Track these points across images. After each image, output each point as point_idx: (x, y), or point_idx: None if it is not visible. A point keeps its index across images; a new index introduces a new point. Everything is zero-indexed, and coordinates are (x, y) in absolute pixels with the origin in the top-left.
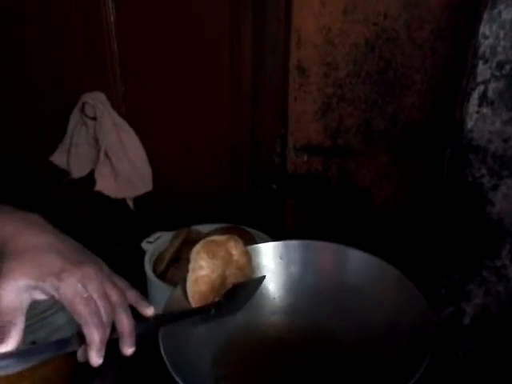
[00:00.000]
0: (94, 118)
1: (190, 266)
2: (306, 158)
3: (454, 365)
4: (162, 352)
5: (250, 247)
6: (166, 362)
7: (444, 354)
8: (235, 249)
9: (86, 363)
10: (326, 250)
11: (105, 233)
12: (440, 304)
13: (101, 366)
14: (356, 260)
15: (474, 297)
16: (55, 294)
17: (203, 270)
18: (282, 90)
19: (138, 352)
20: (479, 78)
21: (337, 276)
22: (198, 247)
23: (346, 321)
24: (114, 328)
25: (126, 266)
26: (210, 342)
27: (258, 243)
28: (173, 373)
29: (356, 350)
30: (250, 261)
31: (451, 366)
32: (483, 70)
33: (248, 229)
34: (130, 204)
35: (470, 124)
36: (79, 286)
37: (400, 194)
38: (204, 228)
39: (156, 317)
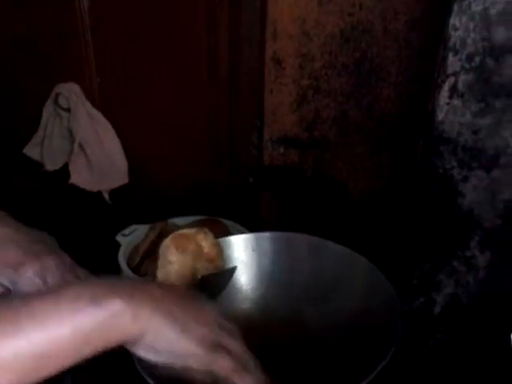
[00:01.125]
0: (68, 110)
1: (160, 262)
2: (282, 150)
3: (425, 354)
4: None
5: (222, 239)
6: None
7: (415, 344)
8: (205, 241)
9: None
10: (297, 242)
11: (81, 226)
12: (412, 294)
13: None
14: (327, 251)
15: (445, 287)
16: (11, 287)
17: (173, 265)
18: (259, 82)
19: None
20: (449, 70)
21: (308, 267)
22: (167, 242)
23: (316, 310)
24: None
25: (101, 259)
26: None
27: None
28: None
29: (326, 339)
30: (220, 253)
31: (422, 355)
32: (453, 62)
33: (225, 221)
34: (106, 196)
35: (440, 116)
36: (37, 279)
37: (375, 186)
38: (180, 221)
39: None
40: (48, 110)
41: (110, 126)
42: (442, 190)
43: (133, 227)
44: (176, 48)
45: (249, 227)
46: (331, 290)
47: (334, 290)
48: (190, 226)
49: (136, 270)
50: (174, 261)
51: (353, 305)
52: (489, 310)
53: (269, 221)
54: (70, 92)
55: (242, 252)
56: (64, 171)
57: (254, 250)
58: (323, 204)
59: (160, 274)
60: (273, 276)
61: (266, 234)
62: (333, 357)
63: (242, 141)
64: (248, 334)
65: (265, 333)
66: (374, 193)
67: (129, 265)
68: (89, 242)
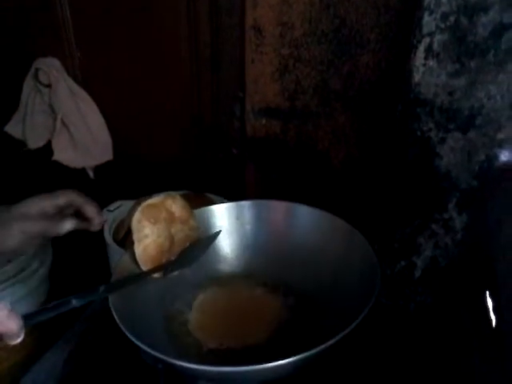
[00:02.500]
0: (49, 86)
1: (135, 237)
2: (264, 121)
3: (406, 317)
4: (115, 317)
5: (205, 208)
6: (120, 326)
7: (397, 307)
8: (174, 205)
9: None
10: (277, 208)
11: None
12: (393, 259)
13: (57, 339)
14: (307, 215)
15: (424, 250)
16: None
17: (148, 238)
18: (240, 51)
19: (92, 325)
20: (425, 30)
21: (289, 232)
22: (137, 216)
23: (297, 273)
24: None
25: (87, 234)
26: (161, 302)
27: None
28: (127, 333)
29: (306, 300)
30: (191, 213)
31: (403, 317)
32: (428, 22)
33: (210, 195)
34: (91, 173)
35: (417, 77)
36: None
37: (357, 154)
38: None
39: (107, 285)
40: (28, 86)
41: (92, 102)
42: (419, 153)
43: (118, 203)
44: (156, 18)
45: (234, 200)
46: (311, 253)
47: (313, 252)
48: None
49: (122, 243)
50: (148, 233)
51: (333, 266)
52: (466, 271)
53: (253, 193)
54: (50, 67)
55: (226, 220)
56: (47, 149)
57: (237, 219)
58: (306, 173)
59: (138, 250)
60: (256, 242)
61: (248, 202)
62: (313, 316)
63: (225, 112)
64: (232, 299)
65: (248, 297)
66: (355, 161)
67: (114, 239)
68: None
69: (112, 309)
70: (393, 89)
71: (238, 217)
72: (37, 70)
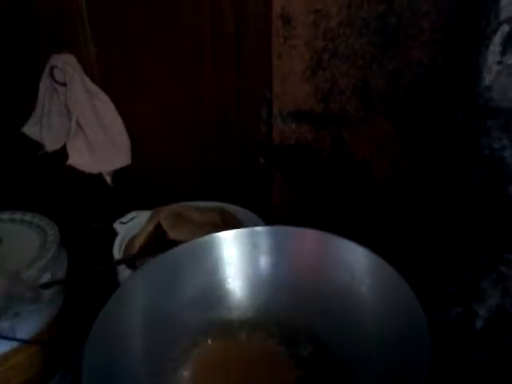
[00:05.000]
0: (65, 84)
1: None
2: (294, 126)
3: (462, 374)
4: None
5: (209, 237)
6: None
7: (451, 362)
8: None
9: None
10: (304, 238)
11: (86, 210)
12: (447, 303)
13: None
14: (340, 251)
15: (489, 296)
16: None
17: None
18: (267, 44)
19: None
20: (503, 15)
21: (317, 269)
22: None
23: (327, 322)
24: None
25: (106, 245)
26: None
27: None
28: None
29: (340, 356)
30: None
31: (459, 375)
32: (508, 5)
33: (233, 207)
34: (108, 179)
35: (488, 78)
36: None
37: (403, 169)
38: (184, 206)
39: None
40: (44, 85)
41: (110, 103)
42: (487, 176)
43: (132, 214)
44: (176, 10)
45: (259, 213)
46: (343, 299)
47: (346, 298)
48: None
49: (131, 263)
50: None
51: (370, 318)
52: None
53: (279, 208)
54: (66, 64)
55: (235, 250)
56: (64, 152)
57: (255, 247)
58: (341, 189)
59: None
60: (273, 280)
61: (264, 229)
62: (347, 379)
63: (250, 116)
64: (237, 354)
65: (257, 352)
66: (401, 177)
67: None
68: (88, 227)
69: None
70: (452, 92)
71: (256, 245)
72: (52, 67)
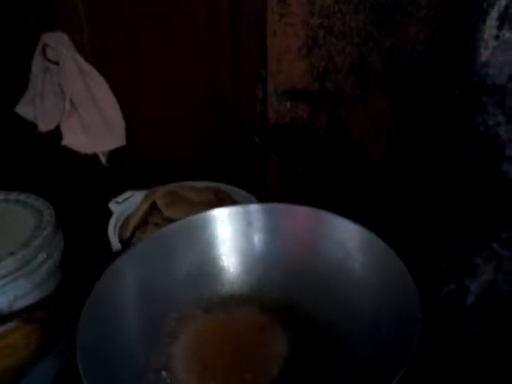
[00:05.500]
0: (58, 63)
1: None
2: (289, 105)
3: (453, 349)
4: None
5: (203, 214)
6: None
7: (442, 336)
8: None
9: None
10: (297, 216)
11: (81, 190)
12: (440, 280)
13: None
14: (333, 228)
15: (482, 273)
16: None
17: None
18: (262, 22)
19: None
20: None
21: (311, 247)
22: None
23: (320, 299)
24: None
25: (102, 225)
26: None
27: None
28: None
29: (333, 333)
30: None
31: (450, 349)
32: None
33: (228, 187)
34: (103, 159)
35: (484, 55)
36: None
37: (400, 147)
38: (179, 185)
39: None
40: (37, 64)
41: (104, 82)
42: (482, 154)
43: (127, 194)
44: None
45: (254, 193)
46: (337, 275)
47: (340, 274)
48: (191, 193)
49: (126, 242)
50: None
51: (363, 294)
52: None
53: (275, 188)
54: (58, 43)
55: (231, 228)
56: (58, 132)
57: (249, 225)
58: (337, 168)
59: None
60: (267, 257)
61: (259, 206)
62: (340, 354)
63: (246, 95)
64: (229, 331)
65: (250, 329)
66: (398, 155)
67: (121, 235)
68: (84, 207)
69: None
70: (449, 69)
71: (250, 223)
72: (44, 45)
